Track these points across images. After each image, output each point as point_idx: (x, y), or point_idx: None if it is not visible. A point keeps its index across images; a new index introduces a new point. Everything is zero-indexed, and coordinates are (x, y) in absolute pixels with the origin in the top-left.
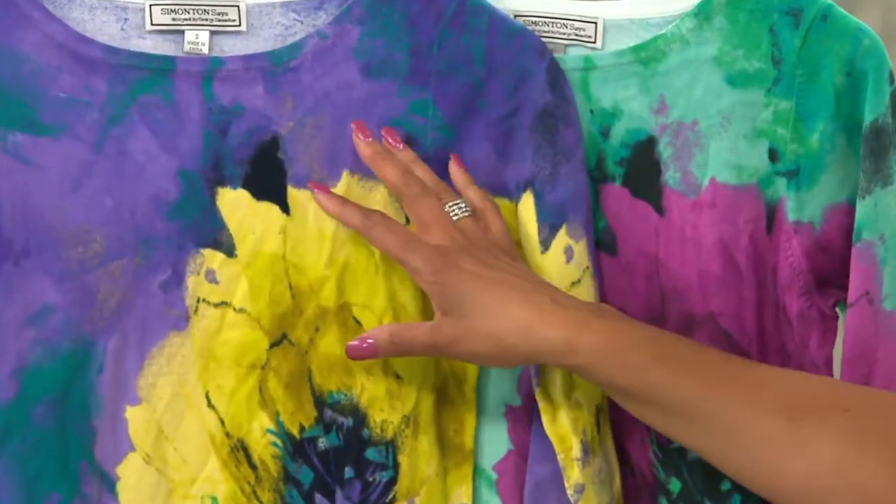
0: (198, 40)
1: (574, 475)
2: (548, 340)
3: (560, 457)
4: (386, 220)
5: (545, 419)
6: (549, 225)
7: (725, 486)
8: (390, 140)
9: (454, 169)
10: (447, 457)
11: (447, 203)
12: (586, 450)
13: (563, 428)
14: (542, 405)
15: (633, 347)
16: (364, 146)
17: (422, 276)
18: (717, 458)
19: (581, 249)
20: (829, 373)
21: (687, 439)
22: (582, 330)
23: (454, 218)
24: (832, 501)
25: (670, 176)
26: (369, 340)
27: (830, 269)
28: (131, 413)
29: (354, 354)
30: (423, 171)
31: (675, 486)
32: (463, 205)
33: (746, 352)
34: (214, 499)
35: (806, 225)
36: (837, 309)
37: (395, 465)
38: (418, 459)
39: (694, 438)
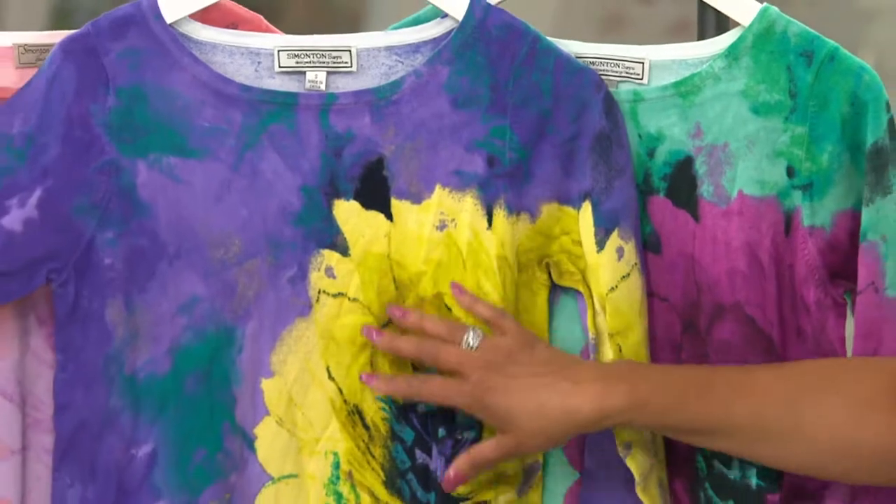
0: (317, 79)
1: (623, 434)
2: (585, 416)
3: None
4: (427, 380)
5: None
6: (604, 229)
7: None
8: (397, 314)
9: (456, 295)
10: None
11: (462, 338)
12: None
13: None
14: None
15: (657, 393)
16: (377, 342)
17: (471, 409)
18: (782, 457)
19: (630, 249)
20: (843, 348)
21: (754, 452)
22: (606, 398)
23: (473, 346)
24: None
25: (705, 189)
26: (454, 473)
27: (840, 264)
28: (266, 384)
29: (451, 487)
30: (432, 323)
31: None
32: (473, 332)
33: (768, 334)
34: (336, 454)
35: (819, 229)
36: (845, 297)
37: (479, 427)
38: None
39: (761, 449)
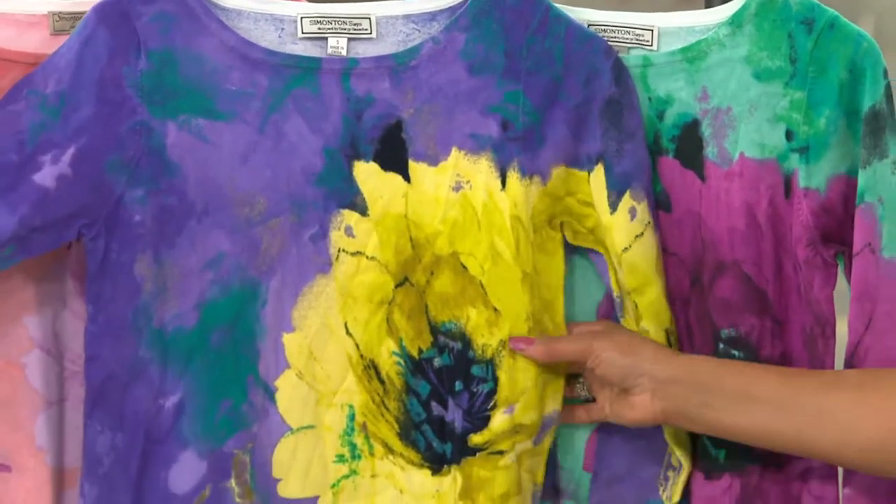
0: (338, 45)
1: None
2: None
3: None
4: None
5: None
6: (617, 191)
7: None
8: (522, 345)
9: (523, 348)
10: (544, 372)
11: (575, 385)
12: None
13: None
14: None
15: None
16: (532, 353)
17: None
18: (803, 440)
19: (643, 209)
20: (830, 308)
21: (765, 424)
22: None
23: (583, 394)
24: None
25: (710, 150)
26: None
27: (833, 226)
28: (287, 339)
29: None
30: (559, 341)
31: None
32: (579, 385)
33: (764, 291)
34: (351, 406)
35: (813, 191)
36: (837, 259)
37: (495, 379)
38: (516, 374)
39: (776, 422)
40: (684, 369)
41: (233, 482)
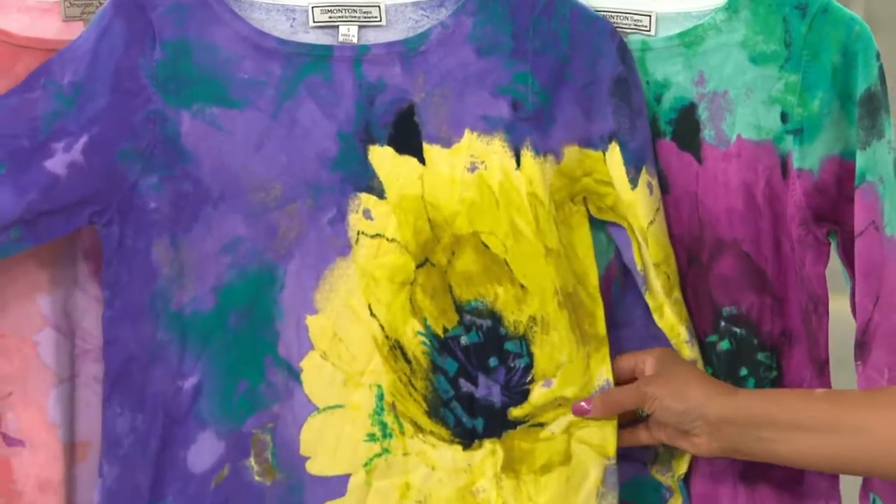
0: (349, 33)
1: (686, 353)
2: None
3: (672, 342)
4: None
5: (655, 316)
6: (634, 167)
7: (743, 371)
8: (585, 405)
9: (582, 411)
10: (587, 343)
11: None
12: (691, 332)
13: (670, 319)
14: (651, 305)
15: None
16: (593, 413)
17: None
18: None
19: (657, 184)
20: (822, 285)
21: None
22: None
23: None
24: None
25: (707, 133)
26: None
27: (825, 206)
28: (311, 321)
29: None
30: (612, 394)
31: (706, 371)
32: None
33: (763, 270)
34: (380, 386)
35: (807, 172)
36: (829, 238)
37: (530, 354)
38: (552, 349)
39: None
40: (733, 407)
41: (252, 461)
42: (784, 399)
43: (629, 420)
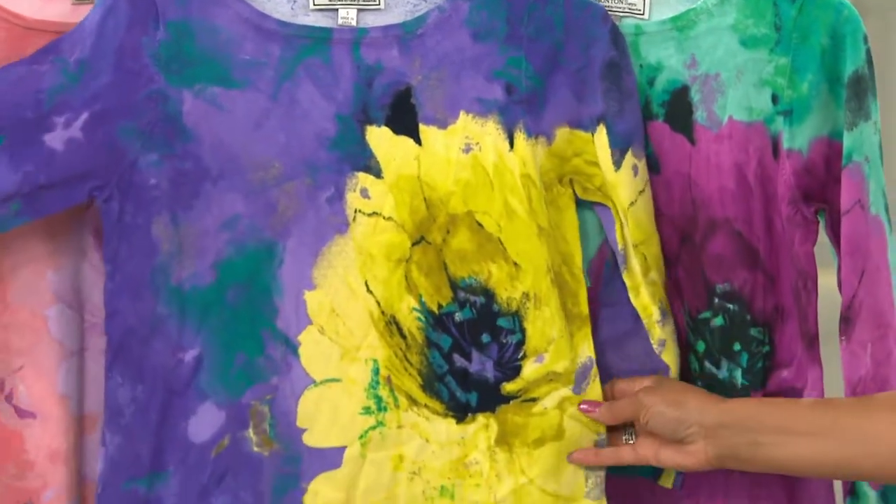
0: (348, 16)
1: (657, 333)
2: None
3: (645, 322)
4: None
5: (631, 295)
6: (620, 149)
7: (736, 346)
8: (586, 407)
9: (588, 411)
10: (570, 323)
11: (623, 436)
12: (664, 313)
13: (644, 299)
14: (628, 284)
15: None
16: (598, 416)
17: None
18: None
19: (643, 166)
20: (811, 262)
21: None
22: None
23: (629, 442)
24: None
25: (699, 115)
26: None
27: (814, 186)
28: (309, 296)
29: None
30: (618, 405)
31: (700, 346)
32: (626, 433)
33: (755, 248)
34: (375, 360)
35: (796, 152)
36: (818, 216)
37: (522, 330)
38: (543, 325)
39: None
40: (727, 413)
41: (251, 432)
42: (775, 405)
43: (612, 443)
